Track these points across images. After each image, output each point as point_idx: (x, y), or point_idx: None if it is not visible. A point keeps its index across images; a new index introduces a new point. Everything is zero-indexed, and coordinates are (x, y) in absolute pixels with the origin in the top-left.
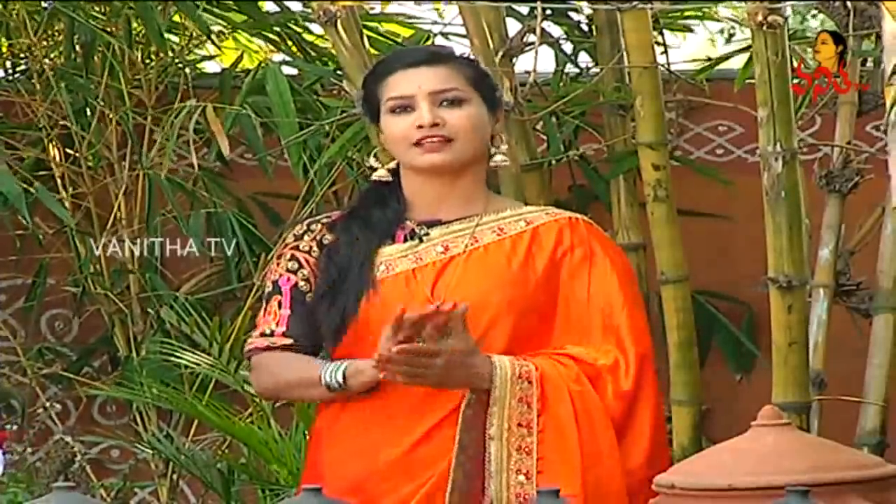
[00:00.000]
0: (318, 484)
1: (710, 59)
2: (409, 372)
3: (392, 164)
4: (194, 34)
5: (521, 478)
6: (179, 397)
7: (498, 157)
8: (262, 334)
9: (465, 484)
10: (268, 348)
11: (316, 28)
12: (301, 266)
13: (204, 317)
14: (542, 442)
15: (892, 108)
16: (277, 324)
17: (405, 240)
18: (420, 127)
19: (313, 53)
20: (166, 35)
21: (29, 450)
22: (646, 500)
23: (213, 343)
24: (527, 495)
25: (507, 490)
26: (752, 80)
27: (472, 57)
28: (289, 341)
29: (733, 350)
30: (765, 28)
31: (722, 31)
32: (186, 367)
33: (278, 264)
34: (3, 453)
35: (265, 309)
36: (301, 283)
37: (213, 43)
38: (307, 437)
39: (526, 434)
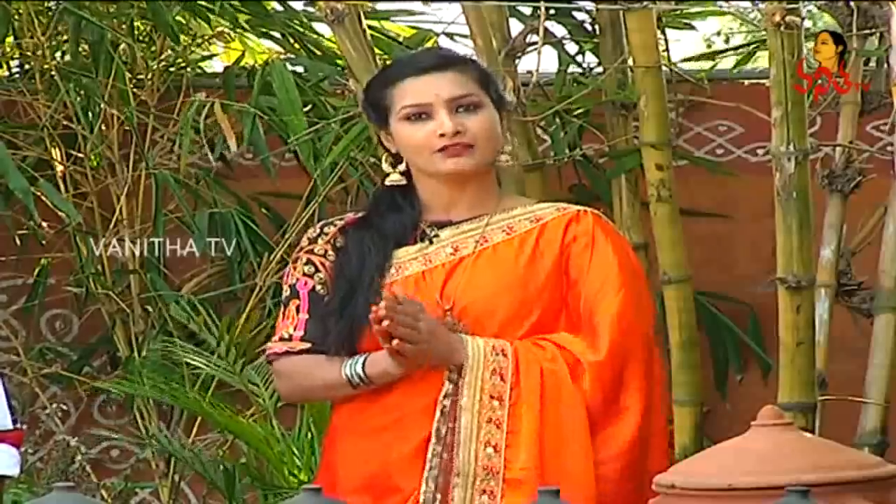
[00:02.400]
0: (332, 482)
1: (712, 58)
2: (398, 331)
3: (403, 167)
4: (197, 33)
5: (490, 450)
6: (182, 393)
7: (502, 157)
8: (281, 338)
9: (441, 473)
10: (286, 353)
11: (319, 27)
12: (317, 270)
13: (212, 316)
14: (512, 415)
15: None
16: (296, 328)
17: (415, 241)
18: (442, 135)
19: (318, 53)
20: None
21: (31, 450)
22: (640, 483)
23: (220, 342)
24: (494, 468)
25: (474, 461)
26: (755, 81)
27: (474, 58)
28: (306, 346)
29: (735, 351)
30: (782, 28)
31: (719, 33)
32: (188, 365)
33: (294, 268)
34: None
35: (283, 313)
36: (318, 287)
37: (229, 38)
38: (312, 437)
39: (497, 406)
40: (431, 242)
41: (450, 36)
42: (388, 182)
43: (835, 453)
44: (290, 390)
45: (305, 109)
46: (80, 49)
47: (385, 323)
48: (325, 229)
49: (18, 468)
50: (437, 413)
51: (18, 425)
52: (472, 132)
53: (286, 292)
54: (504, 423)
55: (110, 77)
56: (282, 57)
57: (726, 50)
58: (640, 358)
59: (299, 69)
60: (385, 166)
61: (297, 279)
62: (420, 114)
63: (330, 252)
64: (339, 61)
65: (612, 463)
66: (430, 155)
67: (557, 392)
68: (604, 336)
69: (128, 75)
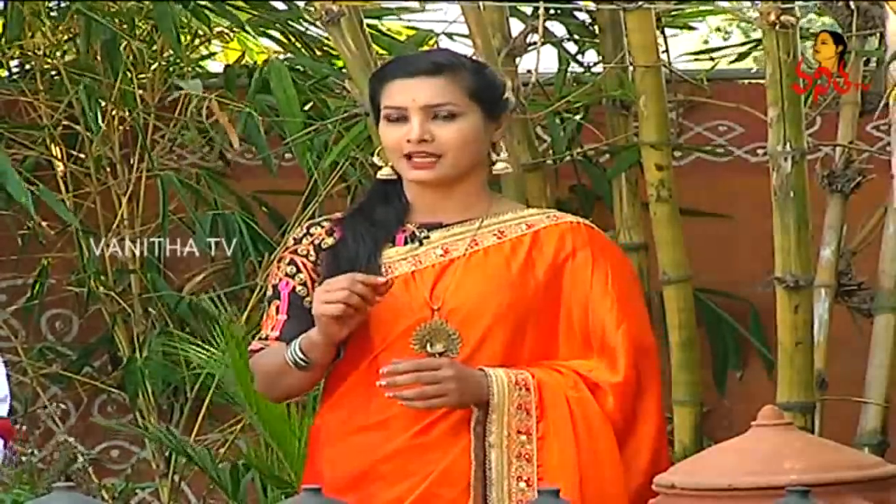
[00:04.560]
0: (316, 482)
1: (711, 58)
2: (423, 392)
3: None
4: (199, 32)
5: (522, 485)
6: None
7: (499, 165)
8: (260, 338)
9: (482, 494)
10: (261, 351)
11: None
12: (299, 270)
13: (221, 308)
14: (541, 448)
15: None
16: (272, 329)
17: (405, 242)
18: (409, 141)
19: (319, 52)
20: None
21: (31, 451)
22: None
23: (227, 341)
24: (528, 502)
25: (508, 498)
26: (754, 80)
27: (480, 62)
28: (280, 346)
29: (735, 348)
30: (777, 28)
31: (719, 29)
32: (189, 364)
33: (278, 268)
34: (8, 448)
35: (266, 312)
36: (298, 288)
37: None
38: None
39: (525, 441)
40: (421, 244)
41: (449, 36)
42: (379, 175)
43: (835, 453)
44: (261, 384)
45: (305, 108)
46: (86, 49)
47: (407, 393)
48: (312, 230)
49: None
50: (473, 438)
51: (17, 425)
52: (442, 141)
53: (270, 291)
54: (534, 457)
55: (116, 78)
56: (281, 56)
57: (724, 47)
58: (652, 371)
59: (299, 68)
60: (377, 160)
61: (280, 279)
62: (398, 116)
63: (312, 253)
64: (338, 62)
65: (637, 478)
66: (398, 159)
67: (587, 419)
68: (622, 358)
69: (130, 75)
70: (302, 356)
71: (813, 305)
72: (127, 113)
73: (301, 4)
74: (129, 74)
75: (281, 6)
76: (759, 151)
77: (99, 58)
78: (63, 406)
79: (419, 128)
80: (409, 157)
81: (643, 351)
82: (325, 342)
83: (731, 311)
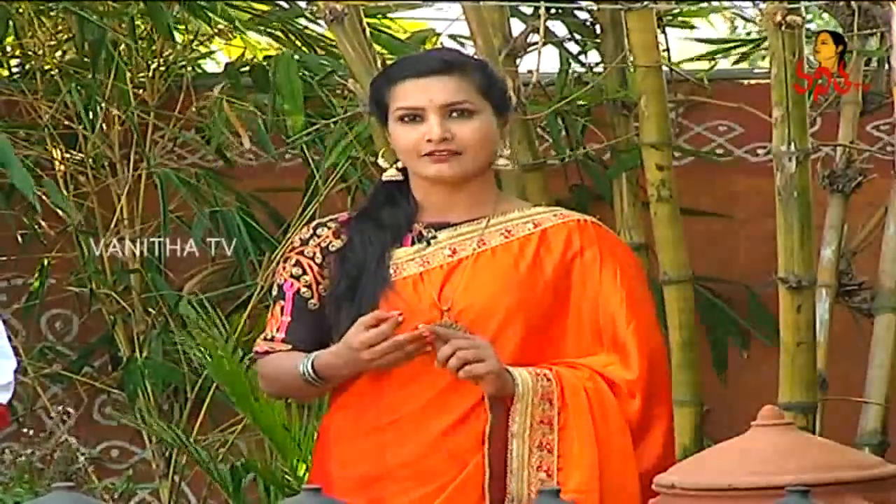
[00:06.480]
0: (325, 482)
1: (712, 58)
2: (462, 356)
3: (401, 164)
4: (199, 31)
5: (542, 475)
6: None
7: (500, 161)
8: (265, 338)
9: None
10: (267, 353)
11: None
12: (304, 272)
13: (219, 314)
14: (562, 439)
15: None
16: (278, 330)
17: (413, 243)
18: (430, 140)
19: (320, 51)
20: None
21: (31, 451)
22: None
23: (228, 339)
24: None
25: (528, 487)
26: (754, 80)
27: (483, 60)
28: (287, 347)
29: (736, 331)
30: (783, 28)
31: (733, 23)
32: (190, 364)
33: (284, 268)
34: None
35: (271, 311)
36: (303, 290)
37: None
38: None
39: (547, 431)
40: (429, 244)
41: (450, 36)
42: (384, 177)
43: (835, 453)
44: (269, 387)
45: (308, 107)
46: (83, 48)
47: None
48: (319, 231)
49: None
50: (486, 449)
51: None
52: (462, 139)
53: (275, 291)
54: (555, 448)
55: (111, 76)
56: (285, 51)
57: (725, 48)
58: (662, 369)
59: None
60: (381, 162)
61: (285, 280)
62: (413, 116)
63: (318, 255)
64: (341, 60)
65: (649, 474)
66: (417, 158)
67: (604, 410)
68: (635, 356)
69: (128, 74)
70: (316, 376)
71: (815, 306)
72: (125, 112)
73: (303, 4)
74: (126, 74)
75: (282, 4)
76: (760, 151)
77: (92, 57)
78: (66, 406)
79: (439, 127)
80: (427, 154)
81: (653, 348)
82: (353, 373)
83: (729, 300)
